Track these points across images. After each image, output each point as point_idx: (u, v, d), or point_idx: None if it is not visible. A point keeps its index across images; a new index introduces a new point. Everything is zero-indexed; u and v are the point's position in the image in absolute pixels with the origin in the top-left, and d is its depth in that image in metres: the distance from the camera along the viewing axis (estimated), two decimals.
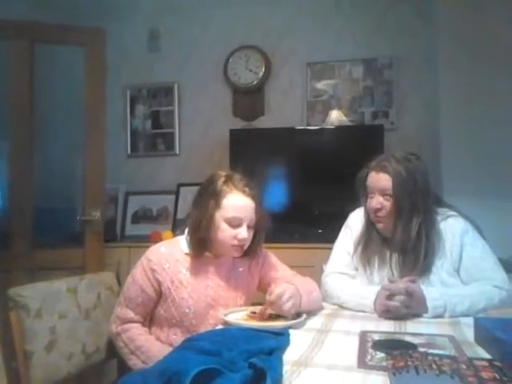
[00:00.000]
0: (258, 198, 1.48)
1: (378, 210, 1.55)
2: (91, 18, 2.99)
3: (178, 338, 1.42)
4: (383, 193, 1.54)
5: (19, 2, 2.94)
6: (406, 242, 1.52)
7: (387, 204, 1.54)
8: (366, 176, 1.61)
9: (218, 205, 1.43)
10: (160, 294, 1.46)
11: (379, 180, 1.55)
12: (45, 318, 1.39)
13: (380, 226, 1.58)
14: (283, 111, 3.19)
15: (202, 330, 1.39)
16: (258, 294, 1.62)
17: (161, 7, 3.33)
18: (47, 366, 1.37)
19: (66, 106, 3.15)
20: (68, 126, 3.13)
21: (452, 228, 1.56)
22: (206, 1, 3.20)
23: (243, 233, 1.43)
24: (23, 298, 1.36)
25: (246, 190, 1.46)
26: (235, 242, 1.44)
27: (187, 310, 1.43)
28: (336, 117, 3.12)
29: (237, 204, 1.44)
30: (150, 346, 1.42)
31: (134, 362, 1.42)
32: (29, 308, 1.35)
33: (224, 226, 1.43)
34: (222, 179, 1.47)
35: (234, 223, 1.43)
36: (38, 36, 2.69)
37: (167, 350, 1.25)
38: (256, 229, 1.49)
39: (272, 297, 1.32)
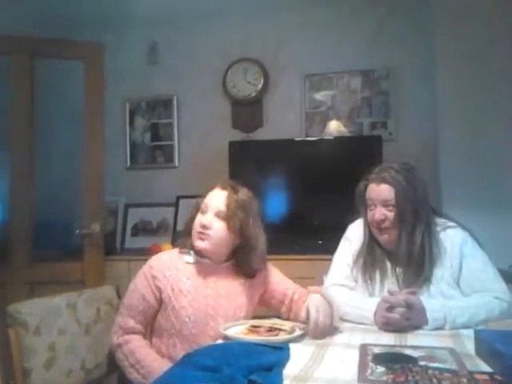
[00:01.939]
0: (241, 202, 1.49)
1: (381, 221, 1.54)
2: (90, 32, 3.01)
3: (177, 349, 1.42)
4: (385, 204, 1.53)
5: (19, 17, 2.96)
6: (411, 253, 1.52)
7: (390, 215, 1.53)
8: (365, 188, 1.61)
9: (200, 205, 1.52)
10: (160, 302, 1.46)
11: (381, 191, 1.54)
12: (44, 335, 1.38)
13: (384, 237, 1.57)
14: (282, 123, 3.20)
15: (202, 341, 1.39)
16: (258, 307, 1.62)
17: (159, 20, 3.35)
18: (46, 383, 1.36)
19: (66, 119, 3.17)
20: (67, 138, 3.13)
21: (451, 239, 1.56)
22: (205, 13, 3.22)
23: (206, 218, 1.47)
24: (22, 315, 1.35)
25: (228, 187, 1.51)
26: (198, 228, 1.47)
27: (187, 319, 1.43)
28: (334, 128, 3.14)
29: (210, 193, 1.52)
30: (150, 360, 1.40)
31: (134, 376, 1.41)
32: (27, 325, 1.35)
33: (197, 215, 1.51)
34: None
35: (203, 210, 1.49)
36: (38, 50, 2.71)
37: (167, 365, 1.25)
38: (252, 246, 1.50)
39: (312, 325, 1.32)
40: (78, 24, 3.17)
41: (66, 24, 3.11)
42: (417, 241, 1.51)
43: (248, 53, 3.25)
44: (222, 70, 3.28)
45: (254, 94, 3.23)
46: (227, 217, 1.47)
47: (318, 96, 3.18)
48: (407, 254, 1.53)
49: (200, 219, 1.48)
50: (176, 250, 1.57)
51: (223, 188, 1.51)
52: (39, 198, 2.77)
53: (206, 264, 1.51)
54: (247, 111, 3.26)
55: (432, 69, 2.71)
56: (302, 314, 1.36)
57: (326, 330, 1.33)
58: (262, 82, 3.21)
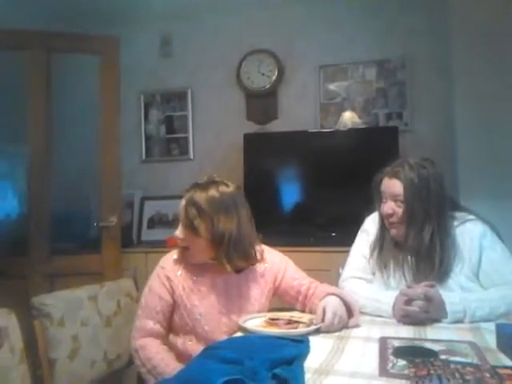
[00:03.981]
0: (198, 203, 1.44)
1: (389, 215, 1.57)
2: (104, 26, 3.02)
3: (193, 344, 1.43)
4: (395, 198, 1.55)
5: (32, 12, 2.98)
6: (419, 248, 1.52)
7: (398, 210, 1.55)
8: (381, 181, 1.62)
9: None
10: (174, 301, 1.47)
11: (391, 186, 1.56)
12: (67, 326, 1.42)
13: (392, 231, 1.60)
14: (296, 114, 3.19)
15: (216, 337, 1.39)
16: (274, 299, 1.63)
17: (173, 13, 3.35)
18: (71, 374, 1.39)
19: (82, 112, 3.19)
20: (84, 132, 3.16)
21: (470, 232, 1.55)
22: (218, 6, 3.21)
23: (176, 232, 1.48)
24: (46, 307, 1.38)
25: (190, 190, 1.49)
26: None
27: (199, 317, 1.44)
28: (349, 119, 3.11)
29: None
30: (165, 366, 1.37)
31: (152, 382, 1.39)
32: (52, 316, 1.38)
33: None
34: None
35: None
36: (54, 45, 2.73)
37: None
38: (217, 242, 1.43)
39: (318, 320, 1.33)
40: (91, 18, 3.18)
41: (80, 18, 3.12)
42: (425, 238, 1.51)
43: (262, 44, 3.23)
44: (236, 62, 3.27)
45: (268, 86, 3.22)
46: (190, 225, 1.43)
47: (333, 87, 3.16)
48: (414, 249, 1.54)
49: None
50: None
51: (186, 191, 1.49)
52: (57, 192, 2.81)
53: (212, 263, 1.51)
54: (261, 103, 3.25)
55: (448, 57, 2.67)
56: (318, 317, 1.35)
57: (333, 328, 1.33)
58: (276, 73, 3.20)
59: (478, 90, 2.52)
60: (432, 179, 1.53)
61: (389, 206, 1.56)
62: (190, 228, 1.43)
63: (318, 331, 1.31)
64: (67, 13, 3.10)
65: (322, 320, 1.33)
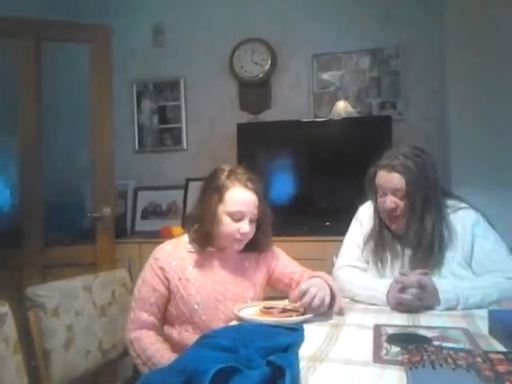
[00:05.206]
0: (260, 193, 1.49)
1: (392, 209, 1.53)
2: (95, 14, 2.98)
3: (189, 334, 1.43)
4: (396, 192, 1.52)
5: (25, 2, 2.92)
6: (420, 239, 1.52)
7: (401, 203, 1.52)
8: (375, 174, 1.59)
9: (220, 199, 1.45)
10: (170, 292, 1.47)
11: (391, 180, 1.52)
12: (62, 317, 1.42)
13: (394, 225, 1.57)
14: (290, 104, 3.18)
15: (213, 325, 1.39)
16: (269, 288, 1.64)
17: (165, 2, 3.32)
18: (66, 364, 1.39)
19: (73, 102, 3.15)
20: (75, 122, 3.13)
21: (463, 220, 1.56)
22: None
23: (245, 227, 1.44)
24: (40, 298, 1.38)
25: (249, 184, 1.47)
26: (238, 236, 1.45)
27: (196, 306, 1.44)
28: (343, 108, 3.11)
29: (239, 198, 1.45)
30: (160, 357, 1.38)
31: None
32: (46, 307, 1.38)
33: (227, 220, 1.44)
34: (225, 174, 1.49)
35: (237, 217, 1.44)
36: (44, 34, 2.69)
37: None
38: (259, 223, 1.50)
39: (295, 294, 1.35)
40: (82, 7, 3.14)
41: (72, 8, 3.08)
42: (427, 227, 1.51)
43: (255, 33, 3.21)
44: (229, 51, 3.24)
45: (261, 75, 3.20)
46: (259, 218, 1.49)
47: (326, 76, 3.15)
48: (416, 240, 1.53)
49: (237, 227, 1.44)
50: (179, 239, 1.57)
51: (246, 187, 1.47)
52: (50, 183, 2.79)
53: (210, 251, 1.52)
54: (255, 92, 3.23)
55: (442, 47, 2.67)
56: (299, 293, 1.36)
57: (313, 304, 1.33)
58: (270, 62, 3.18)
59: (472, 80, 2.52)
60: (428, 167, 1.53)
61: (391, 200, 1.53)
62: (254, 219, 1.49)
63: (312, 319, 1.32)
64: (59, 2, 3.06)
65: (303, 297, 1.34)
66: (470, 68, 2.52)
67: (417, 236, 1.53)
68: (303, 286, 1.37)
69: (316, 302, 1.33)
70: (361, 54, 3.08)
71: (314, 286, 1.36)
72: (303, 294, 1.34)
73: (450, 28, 2.60)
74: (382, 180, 1.56)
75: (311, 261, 1.75)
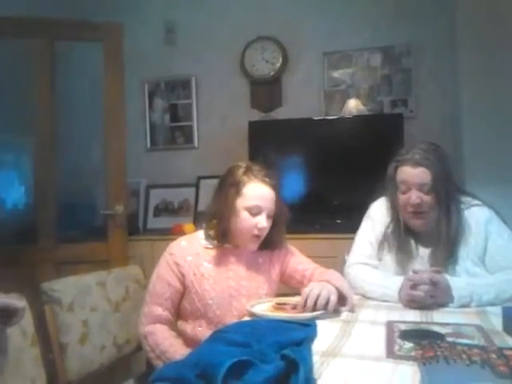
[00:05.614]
0: (277, 189, 1.51)
1: (418, 205, 1.50)
2: (107, 14, 3.00)
3: (203, 329, 1.44)
4: (422, 187, 1.50)
5: (35, 0, 2.95)
6: (448, 233, 1.50)
7: (427, 198, 1.50)
8: (395, 170, 1.57)
9: (238, 193, 1.46)
10: (184, 287, 1.49)
11: (417, 175, 1.49)
12: (77, 312, 1.44)
13: (420, 222, 1.54)
14: (301, 102, 3.17)
15: (227, 321, 1.41)
16: (281, 285, 1.64)
17: (177, 0, 3.33)
18: (81, 358, 1.42)
19: (86, 101, 3.19)
20: (88, 121, 3.16)
21: (476, 217, 1.55)
22: None
23: (263, 221, 1.45)
24: (56, 293, 1.40)
25: (266, 179, 1.49)
26: (255, 231, 1.46)
27: (210, 302, 1.45)
28: (354, 106, 3.10)
29: (257, 193, 1.46)
30: (173, 352, 1.39)
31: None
32: (61, 302, 1.40)
33: (245, 214, 1.45)
34: (242, 170, 1.50)
35: (254, 212, 1.45)
36: (57, 33, 2.71)
37: None
38: (275, 220, 1.51)
39: (303, 297, 1.35)
40: (93, 5, 3.17)
41: (83, 6, 3.10)
42: (453, 220, 1.50)
43: (266, 31, 3.21)
44: (240, 49, 3.25)
45: (272, 73, 3.20)
46: (275, 214, 1.50)
47: (337, 74, 3.14)
48: (438, 236, 1.51)
49: (255, 222, 1.45)
50: (194, 235, 1.58)
51: (264, 182, 1.48)
52: (63, 181, 2.82)
53: (225, 248, 1.52)
54: (266, 91, 3.24)
55: (454, 44, 2.65)
56: (303, 295, 1.36)
57: (324, 301, 1.33)
58: (281, 60, 3.18)
59: (484, 77, 2.50)
60: (446, 160, 1.53)
61: (416, 195, 1.49)
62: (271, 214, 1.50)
63: (324, 315, 1.32)
64: (69, 2, 3.08)
65: (306, 300, 1.34)
66: (482, 64, 2.50)
67: (441, 231, 1.51)
68: (305, 291, 1.36)
69: (321, 301, 1.33)
70: (372, 51, 3.07)
71: (316, 287, 1.36)
72: (305, 299, 1.34)
73: (461, 25, 2.57)
74: (405, 175, 1.53)
75: (323, 258, 1.75)
